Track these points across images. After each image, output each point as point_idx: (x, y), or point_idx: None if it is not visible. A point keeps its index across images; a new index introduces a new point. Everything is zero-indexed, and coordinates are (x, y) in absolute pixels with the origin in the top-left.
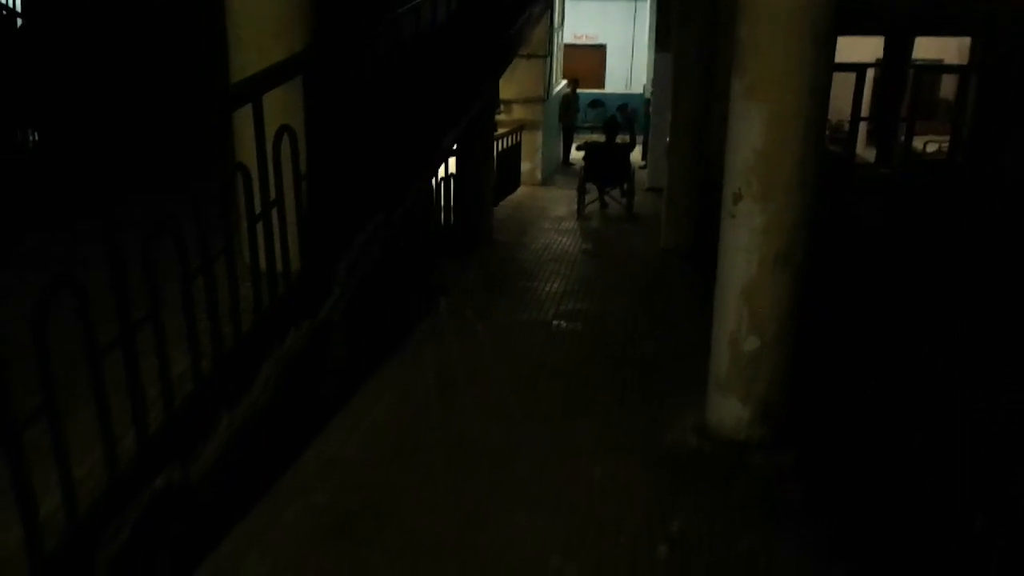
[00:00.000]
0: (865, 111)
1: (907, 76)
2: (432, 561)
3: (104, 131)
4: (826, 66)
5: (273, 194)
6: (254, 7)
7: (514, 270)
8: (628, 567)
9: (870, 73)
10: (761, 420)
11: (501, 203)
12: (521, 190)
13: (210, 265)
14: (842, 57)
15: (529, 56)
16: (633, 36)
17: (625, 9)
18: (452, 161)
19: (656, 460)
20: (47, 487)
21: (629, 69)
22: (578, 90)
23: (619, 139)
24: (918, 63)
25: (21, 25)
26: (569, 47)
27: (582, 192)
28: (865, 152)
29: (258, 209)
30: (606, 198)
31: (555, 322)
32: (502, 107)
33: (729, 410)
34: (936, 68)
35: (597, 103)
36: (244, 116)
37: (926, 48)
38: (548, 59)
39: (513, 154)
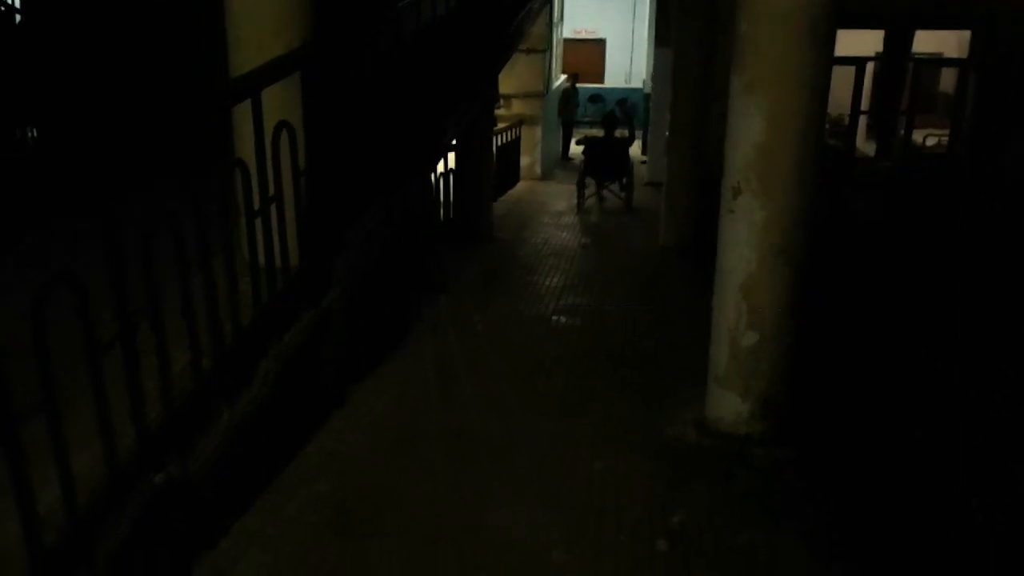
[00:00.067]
0: (865, 105)
1: (907, 70)
2: (432, 552)
3: (104, 129)
4: (825, 63)
5: (272, 190)
6: (254, 5)
7: (514, 265)
8: (628, 560)
9: (870, 67)
10: (761, 415)
11: (501, 198)
12: (521, 185)
13: (209, 261)
14: (842, 51)
15: (529, 51)
16: (633, 31)
17: (625, 4)
18: (452, 156)
19: (656, 454)
20: (46, 482)
21: (629, 64)
22: (578, 85)
23: (618, 133)
24: (918, 57)
25: (20, 22)
26: (569, 42)
27: (581, 187)
28: (865, 146)
29: (257, 205)
30: (604, 192)
31: (555, 317)
32: (501, 102)
33: (729, 405)
34: (936, 62)
35: (597, 98)
36: (243, 112)
37: (925, 42)
38: (547, 54)
39: (512, 149)
